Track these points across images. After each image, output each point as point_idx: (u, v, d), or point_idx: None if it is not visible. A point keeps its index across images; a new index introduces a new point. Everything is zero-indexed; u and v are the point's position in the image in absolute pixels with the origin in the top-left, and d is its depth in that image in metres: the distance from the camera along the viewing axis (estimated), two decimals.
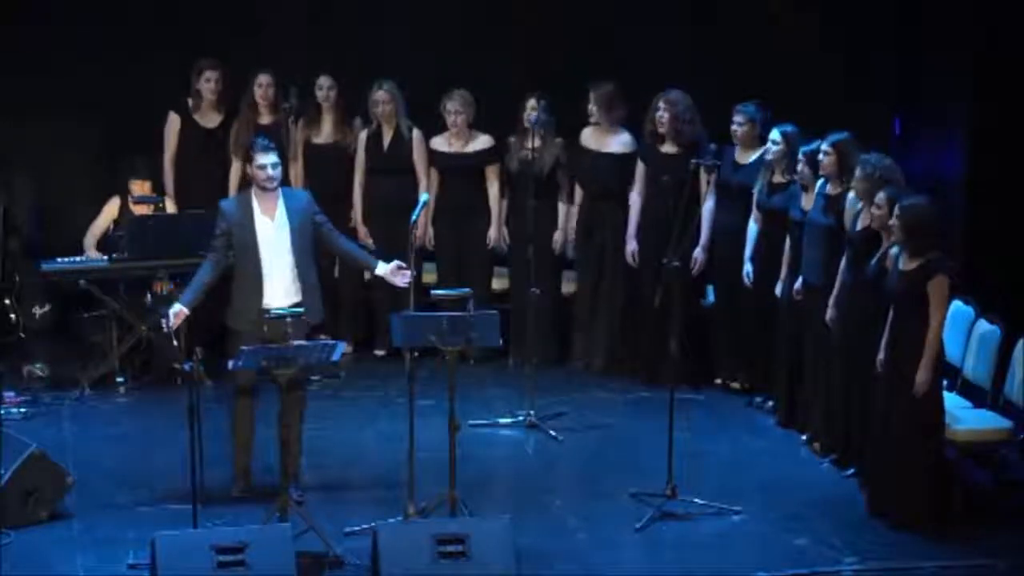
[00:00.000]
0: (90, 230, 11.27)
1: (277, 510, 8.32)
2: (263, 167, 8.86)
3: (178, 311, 8.80)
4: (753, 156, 10.65)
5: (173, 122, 11.57)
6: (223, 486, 8.96)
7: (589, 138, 11.32)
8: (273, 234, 8.90)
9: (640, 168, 11.12)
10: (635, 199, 11.18)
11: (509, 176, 11.44)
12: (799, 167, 9.89)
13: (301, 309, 8.80)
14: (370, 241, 11.51)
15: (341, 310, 11.73)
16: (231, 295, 9.00)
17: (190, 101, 11.56)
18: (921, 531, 8.62)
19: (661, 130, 10.95)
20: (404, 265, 8.93)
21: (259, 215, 8.91)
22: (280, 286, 8.91)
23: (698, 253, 10.93)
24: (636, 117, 11.15)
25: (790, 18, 11.77)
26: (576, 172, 11.37)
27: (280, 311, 8.67)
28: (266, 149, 8.88)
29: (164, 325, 8.87)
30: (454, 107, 11.35)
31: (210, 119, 11.58)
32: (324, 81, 11.51)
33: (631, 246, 11.19)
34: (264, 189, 8.89)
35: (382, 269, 9.04)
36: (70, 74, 11.75)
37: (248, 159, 9.01)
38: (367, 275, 11.33)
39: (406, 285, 8.90)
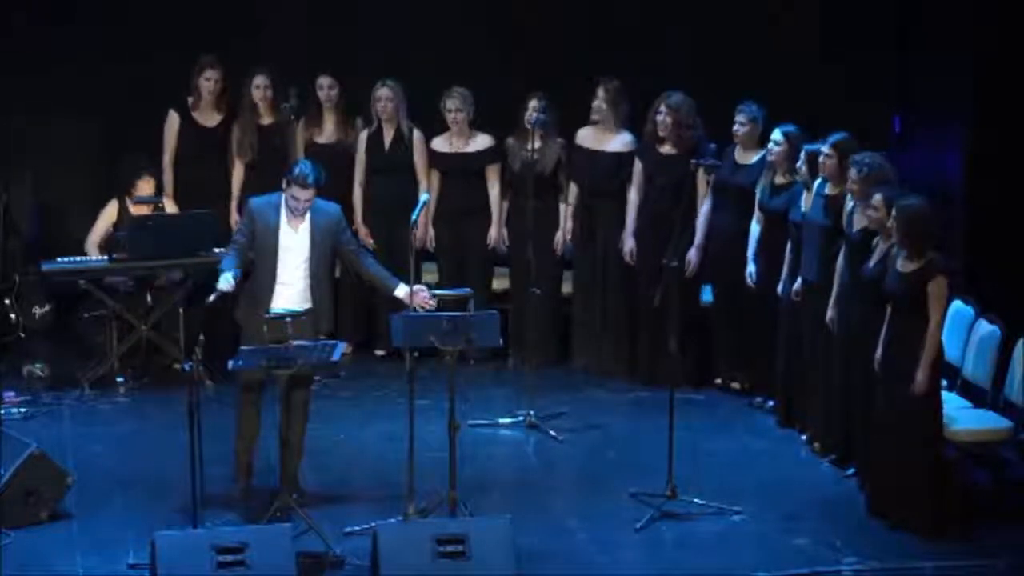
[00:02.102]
0: (90, 235, 11.23)
1: (277, 510, 8.32)
2: (296, 199, 8.78)
3: (236, 277, 8.73)
4: (755, 157, 10.62)
5: (172, 120, 11.56)
6: (223, 486, 8.95)
7: (587, 138, 11.31)
8: (294, 245, 8.86)
9: (638, 167, 11.11)
10: (633, 198, 11.17)
11: (511, 176, 11.44)
12: (798, 165, 9.88)
13: (300, 309, 8.79)
14: (370, 241, 11.52)
15: (341, 310, 11.72)
16: (242, 293, 8.97)
17: (189, 99, 11.56)
18: (921, 531, 8.62)
19: (662, 133, 10.94)
20: (423, 289, 8.89)
21: (284, 224, 8.87)
22: (292, 295, 8.86)
23: (692, 254, 10.92)
24: (636, 117, 11.14)
25: (790, 18, 11.77)
26: (574, 172, 11.36)
27: (280, 311, 8.67)
28: (304, 185, 8.76)
29: (223, 287, 8.73)
30: (454, 105, 11.35)
31: (209, 118, 11.57)
32: (324, 80, 11.51)
33: (628, 245, 11.18)
34: (292, 212, 8.86)
35: (401, 292, 8.93)
36: (70, 74, 11.76)
37: (287, 182, 8.84)
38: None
39: (427, 308, 8.82)
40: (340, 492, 9.17)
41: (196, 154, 11.55)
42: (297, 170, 8.83)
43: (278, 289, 8.85)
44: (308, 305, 8.87)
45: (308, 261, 8.88)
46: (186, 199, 11.38)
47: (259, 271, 8.91)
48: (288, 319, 8.62)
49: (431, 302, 8.85)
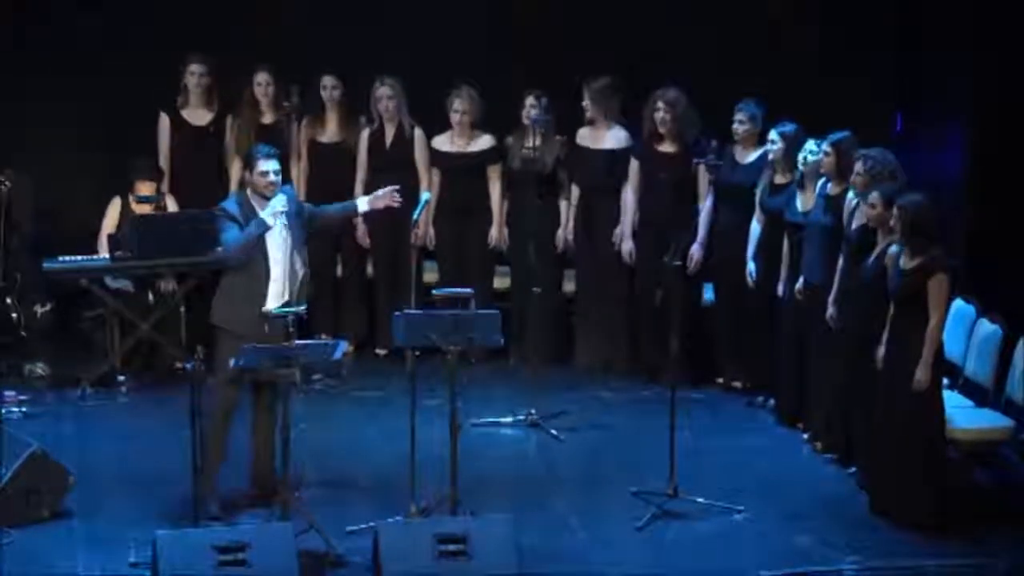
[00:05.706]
0: (100, 235, 11.23)
1: (278, 509, 8.32)
2: (265, 173, 8.77)
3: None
4: (753, 155, 10.63)
5: (163, 122, 11.58)
6: (224, 485, 8.94)
7: (585, 137, 11.33)
8: (277, 237, 8.83)
9: (634, 166, 11.12)
10: (629, 197, 11.17)
11: (511, 175, 11.44)
12: (800, 159, 9.87)
13: (302, 308, 8.77)
14: (367, 240, 11.54)
15: (342, 309, 11.73)
16: (226, 296, 8.89)
17: (179, 99, 11.55)
18: (922, 530, 8.62)
19: (662, 130, 10.95)
20: (383, 192, 9.04)
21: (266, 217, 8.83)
22: (282, 288, 8.82)
23: (695, 250, 10.92)
24: (636, 115, 11.15)
25: (790, 18, 11.78)
26: (573, 171, 11.36)
27: (281, 311, 8.66)
28: (268, 156, 8.79)
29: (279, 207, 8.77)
30: (461, 107, 11.33)
31: (200, 116, 11.58)
32: (328, 80, 11.51)
33: (627, 245, 11.18)
34: (264, 196, 8.83)
35: (364, 205, 9.12)
36: (70, 74, 11.75)
37: (249, 166, 8.85)
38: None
39: (397, 203, 9.01)
40: (341, 491, 9.17)
41: (190, 153, 11.55)
42: (257, 149, 8.88)
43: (271, 286, 8.78)
44: (288, 295, 8.80)
45: (290, 252, 8.79)
46: (182, 199, 11.38)
47: (245, 271, 8.77)
48: (289, 317, 8.58)
49: (397, 197, 9.02)
